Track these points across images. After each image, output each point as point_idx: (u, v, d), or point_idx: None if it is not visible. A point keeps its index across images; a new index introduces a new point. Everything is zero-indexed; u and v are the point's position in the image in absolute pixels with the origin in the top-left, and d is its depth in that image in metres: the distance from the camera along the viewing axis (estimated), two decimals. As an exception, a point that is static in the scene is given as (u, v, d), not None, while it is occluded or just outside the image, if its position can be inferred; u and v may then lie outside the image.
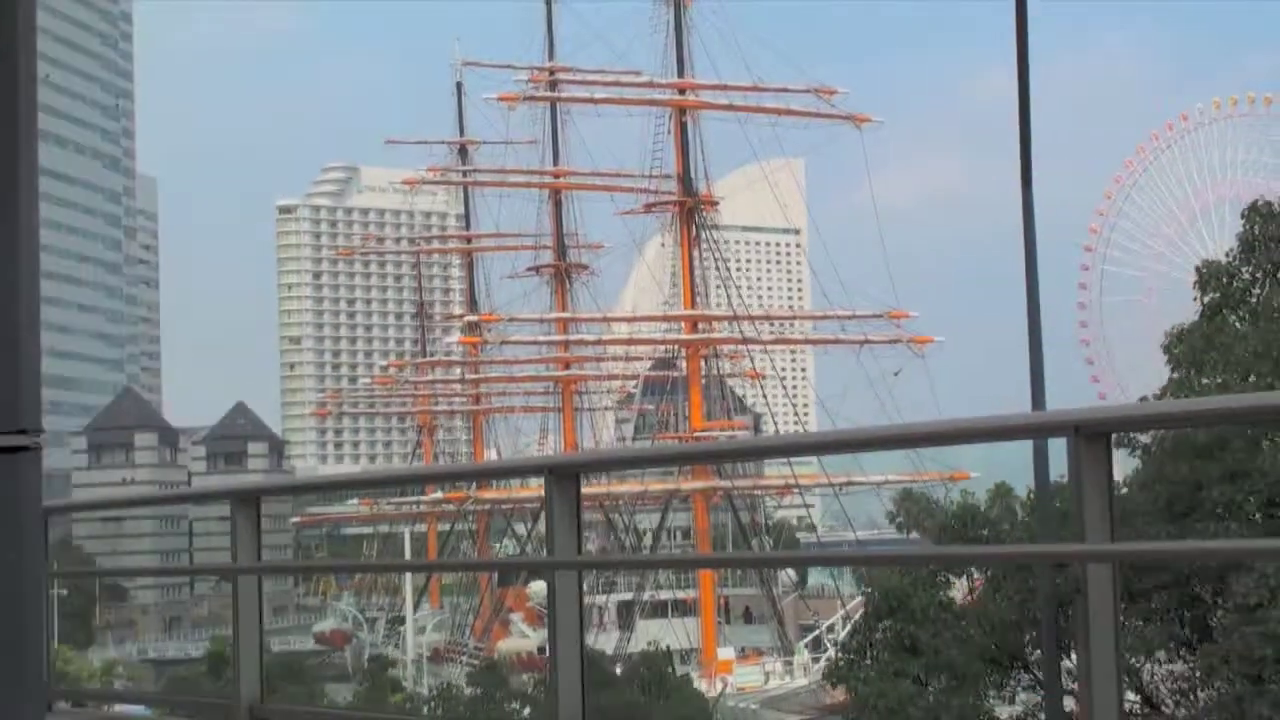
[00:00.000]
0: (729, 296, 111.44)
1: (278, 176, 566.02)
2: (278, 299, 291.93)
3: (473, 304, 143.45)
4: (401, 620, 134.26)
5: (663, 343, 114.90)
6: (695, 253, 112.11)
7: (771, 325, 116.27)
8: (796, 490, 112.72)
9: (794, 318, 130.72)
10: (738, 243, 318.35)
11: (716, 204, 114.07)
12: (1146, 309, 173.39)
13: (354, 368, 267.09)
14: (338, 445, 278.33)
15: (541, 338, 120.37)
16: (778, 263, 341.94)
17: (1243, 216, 26.53)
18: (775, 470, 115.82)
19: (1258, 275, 26.21)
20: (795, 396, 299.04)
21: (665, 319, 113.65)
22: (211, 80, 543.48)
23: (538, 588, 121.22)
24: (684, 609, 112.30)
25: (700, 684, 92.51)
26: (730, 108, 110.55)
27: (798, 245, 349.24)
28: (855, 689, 26.47)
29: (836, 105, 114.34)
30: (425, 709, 65.23)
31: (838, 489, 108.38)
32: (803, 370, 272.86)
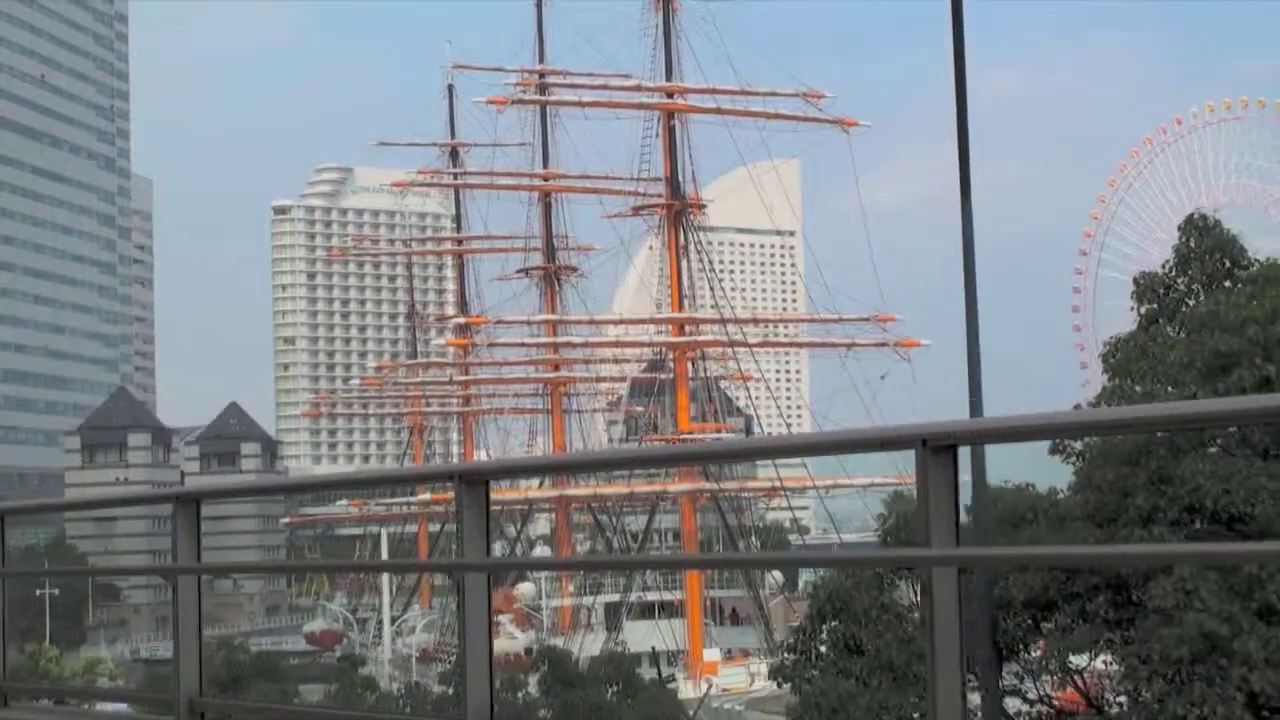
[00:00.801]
0: (715, 299, 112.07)
1: (272, 177, 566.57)
2: (272, 300, 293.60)
3: (464, 305, 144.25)
4: (392, 620, 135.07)
5: (649, 345, 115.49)
6: (683, 256, 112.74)
7: (758, 328, 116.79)
8: (783, 493, 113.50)
9: (780, 320, 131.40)
10: (732, 245, 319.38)
11: (704, 207, 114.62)
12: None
13: (348, 368, 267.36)
14: (332, 446, 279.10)
15: (530, 340, 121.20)
16: (772, 265, 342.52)
17: (1180, 229, 27.32)
18: (766, 473, 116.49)
19: (1193, 286, 26.98)
20: (790, 399, 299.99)
21: (653, 322, 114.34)
22: (207, 81, 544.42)
23: (526, 589, 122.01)
24: (671, 610, 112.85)
25: (686, 685, 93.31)
26: (718, 111, 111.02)
27: (792, 248, 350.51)
28: (800, 688, 27.21)
29: (824, 109, 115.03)
30: (394, 706, 65.86)
31: (823, 491, 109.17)
32: (796, 373, 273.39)
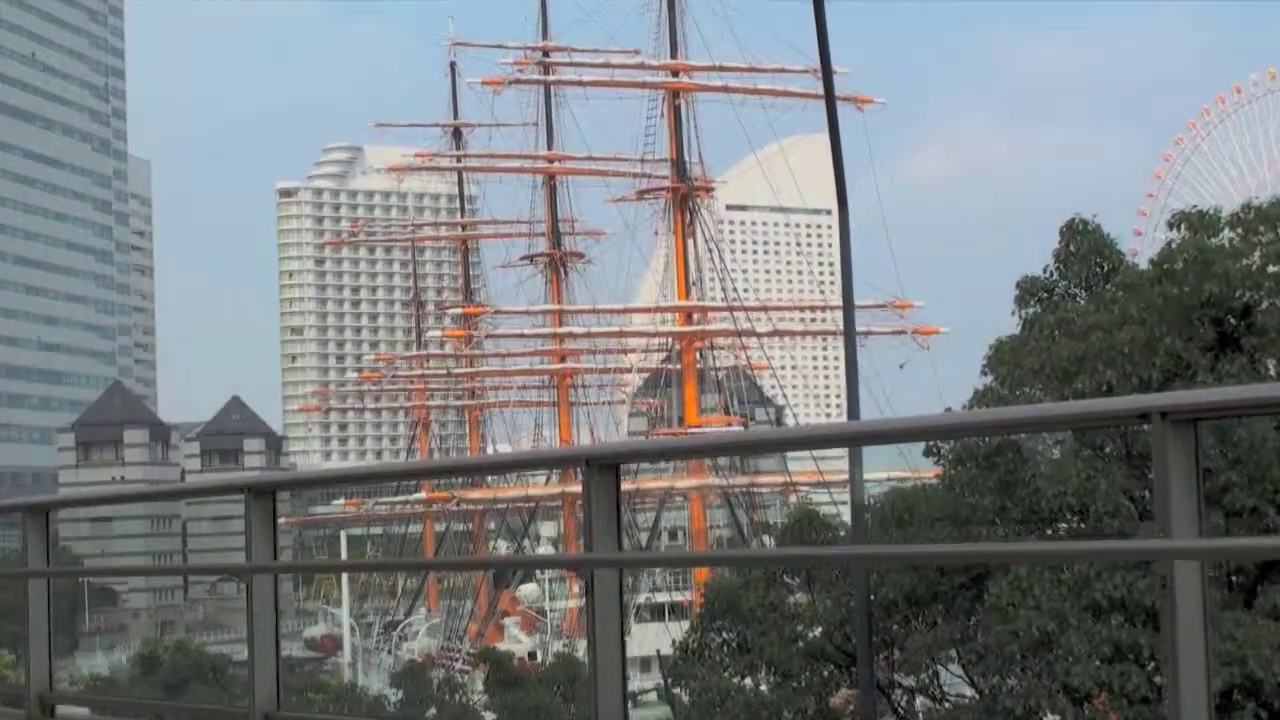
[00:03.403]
0: (724, 287, 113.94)
1: (278, 158, 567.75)
2: (278, 287, 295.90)
3: (468, 293, 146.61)
4: (395, 624, 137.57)
5: (654, 335, 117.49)
6: (691, 241, 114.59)
7: (769, 316, 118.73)
8: (795, 489, 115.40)
9: (790, 308, 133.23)
10: (765, 225, 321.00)
11: (711, 190, 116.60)
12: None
13: (359, 359, 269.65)
14: (342, 441, 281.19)
15: (530, 330, 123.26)
16: (808, 246, 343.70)
17: (1061, 233, 29.69)
18: (795, 467, 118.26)
19: (1071, 290, 29.39)
20: (829, 387, 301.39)
21: (658, 310, 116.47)
22: (207, 58, 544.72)
23: (528, 591, 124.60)
24: (681, 612, 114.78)
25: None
26: (725, 89, 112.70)
27: (829, 227, 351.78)
28: (689, 686, 29.84)
29: (837, 86, 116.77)
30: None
31: (837, 488, 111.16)
32: (835, 360, 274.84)
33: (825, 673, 28.77)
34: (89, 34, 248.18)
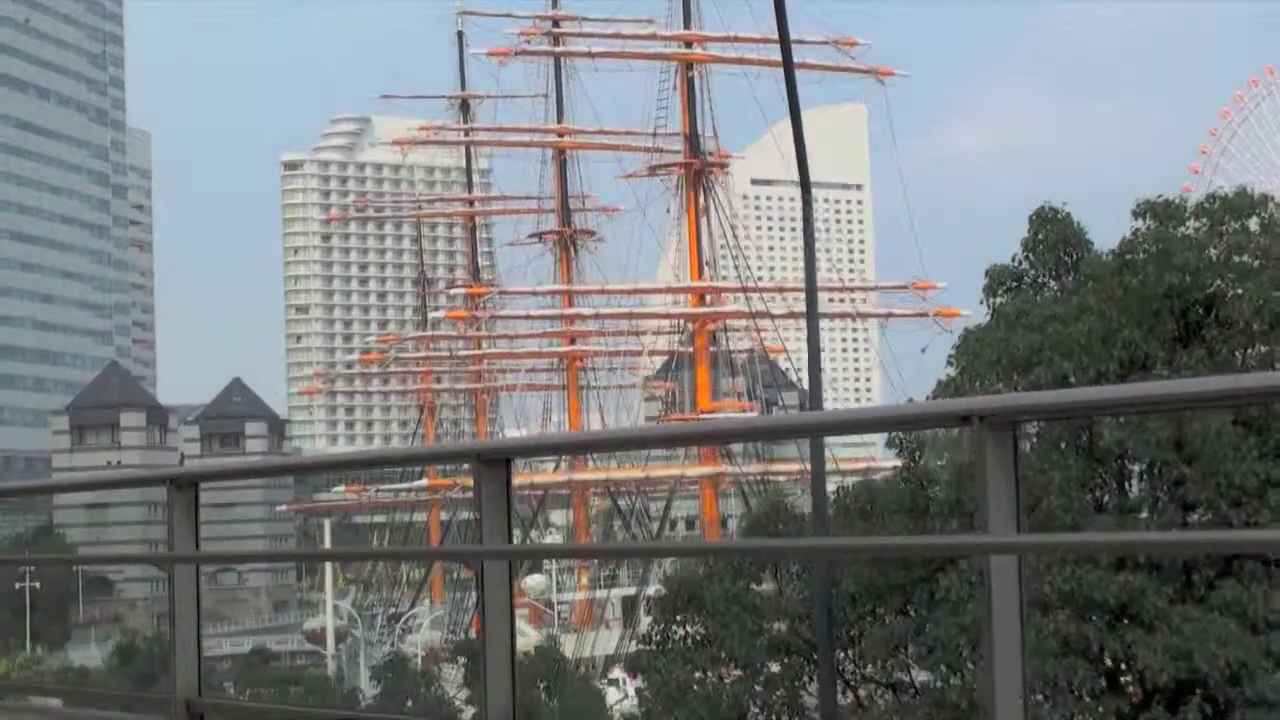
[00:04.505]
0: (737, 267, 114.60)
1: (284, 129, 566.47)
2: (283, 264, 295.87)
3: (475, 272, 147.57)
4: (398, 616, 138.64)
5: (665, 317, 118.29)
6: (704, 219, 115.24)
7: (784, 297, 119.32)
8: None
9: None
10: (793, 200, 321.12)
11: (725, 166, 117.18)
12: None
13: (366, 339, 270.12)
14: (349, 425, 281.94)
15: (537, 312, 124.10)
16: (838, 222, 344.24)
17: (1030, 220, 30.65)
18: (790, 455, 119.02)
19: (1039, 280, 30.38)
20: (859, 369, 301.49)
21: (670, 291, 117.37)
22: (209, 24, 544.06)
23: (535, 582, 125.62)
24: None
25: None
26: (740, 61, 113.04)
27: (860, 202, 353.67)
28: (650, 678, 30.97)
29: (858, 58, 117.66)
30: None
31: (854, 476, 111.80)
32: (865, 343, 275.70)
33: (788, 664, 29.85)
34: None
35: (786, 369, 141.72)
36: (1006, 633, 5.30)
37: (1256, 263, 27.53)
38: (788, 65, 27.88)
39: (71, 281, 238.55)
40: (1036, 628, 24.39)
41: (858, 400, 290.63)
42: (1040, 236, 30.39)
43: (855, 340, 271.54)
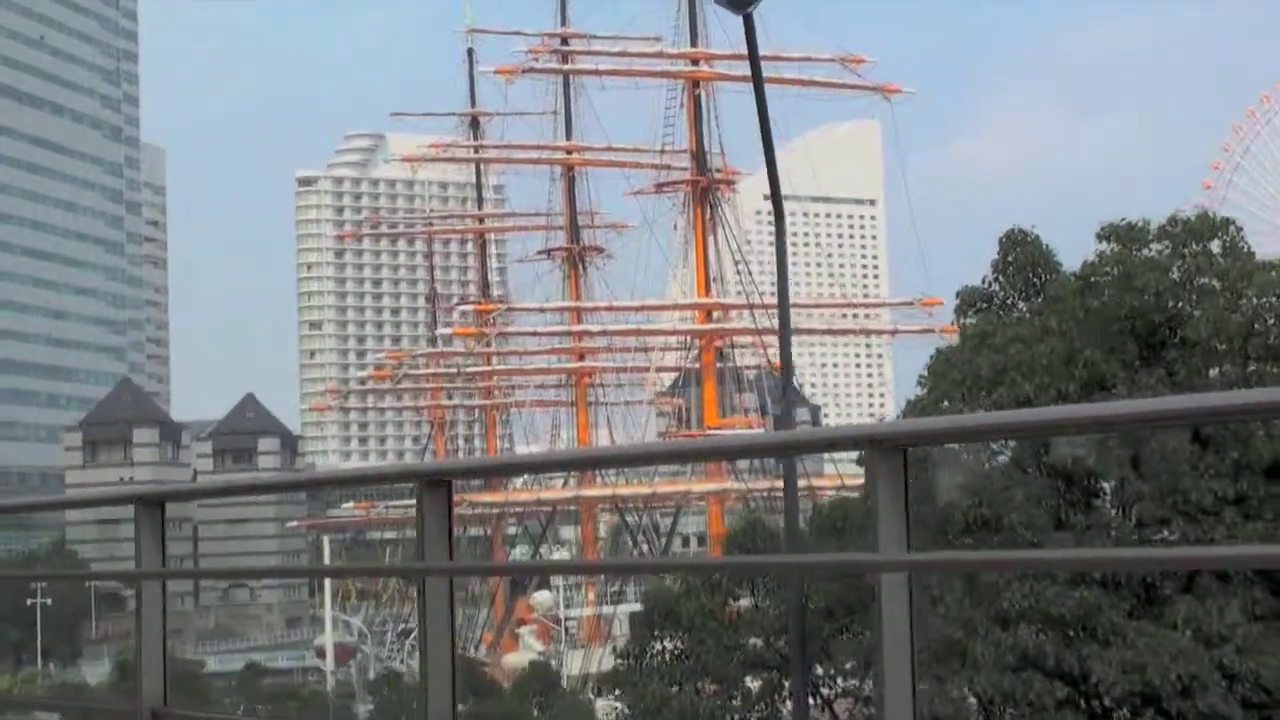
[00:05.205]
0: (743, 283, 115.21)
1: (297, 145, 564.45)
2: (297, 279, 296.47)
3: (486, 288, 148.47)
4: (408, 632, 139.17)
5: (671, 333, 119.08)
6: (711, 236, 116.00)
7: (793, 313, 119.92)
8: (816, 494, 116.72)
9: (815, 306, 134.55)
10: (805, 216, 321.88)
11: (733, 183, 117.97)
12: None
13: (379, 355, 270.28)
14: (362, 440, 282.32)
15: (544, 329, 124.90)
16: (851, 238, 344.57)
17: (1000, 243, 31.35)
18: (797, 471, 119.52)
19: (1008, 300, 31.08)
20: (872, 385, 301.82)
21: (676, 308, 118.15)
22: (224, 42, 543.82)
23: (542, 599, 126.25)
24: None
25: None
26: (746, 79, 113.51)
27: (873, 218, 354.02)
28: (629, 692, 31.67)
29: (864, 75, 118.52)
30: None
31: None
32: (879, 358, 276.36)
33: (767, 679, 30.56)
34: (99, 16, 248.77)
35: (801, 385, 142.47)
36: (897, 647, 5.50)
37: (1217, 284, 28.20)
38: (758, 86, 28.64)
39: (85, 298, 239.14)
40: (995, 642, 25.09)
41: (870, 416, 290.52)
42: (1010, 259, 31.08)
43: (869, 356, 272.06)
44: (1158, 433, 25.17)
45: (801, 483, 69.14)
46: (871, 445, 5.64)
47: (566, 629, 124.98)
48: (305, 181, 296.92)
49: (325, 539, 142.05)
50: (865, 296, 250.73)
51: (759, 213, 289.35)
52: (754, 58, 28.36)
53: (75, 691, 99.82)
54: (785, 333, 27.83)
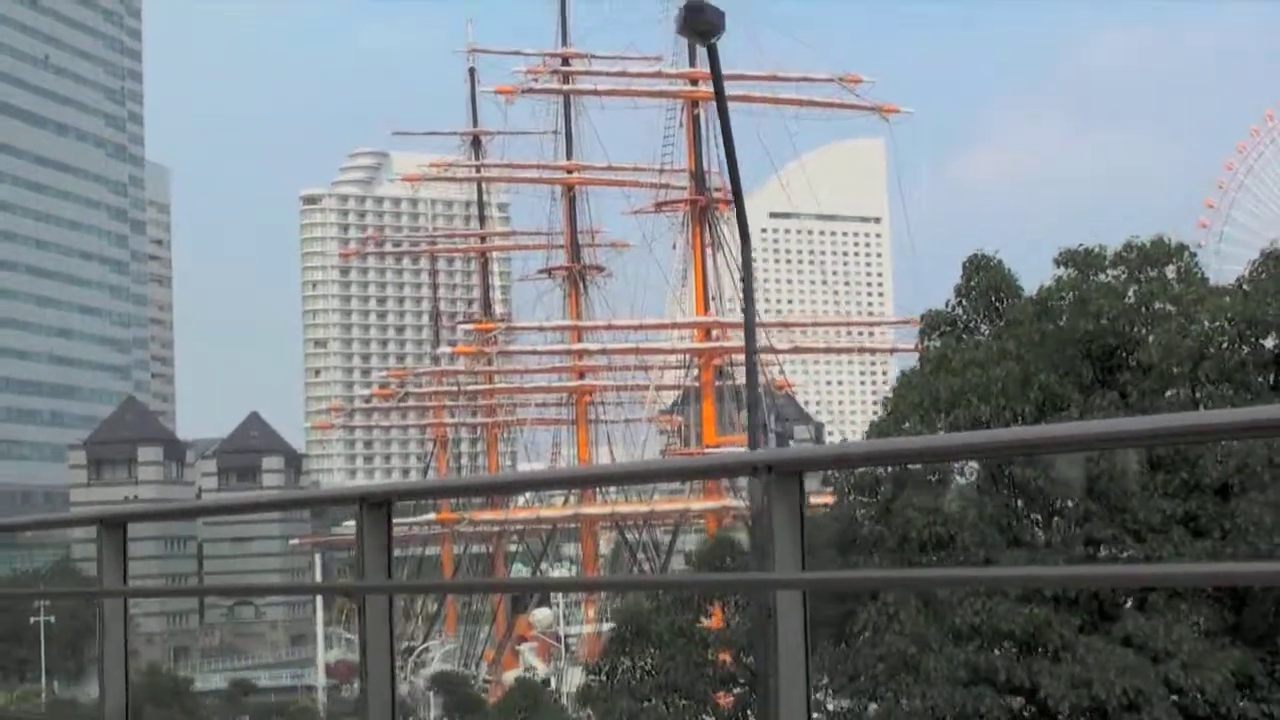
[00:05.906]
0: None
1: (302, 164, 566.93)
2: (301, 298, 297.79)
3: (487, 307, 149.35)
4: (410, 650, 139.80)
5: (670, 352, 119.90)
6: (713, 254, 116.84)
7: (790, 331, 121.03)
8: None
9: (815, 325, 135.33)
10: (811, 233, 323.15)
11: (731, 203, 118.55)
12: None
13: (384, 373, 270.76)
14: (367, 459, 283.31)
15: (544, 348, 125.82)
16: (856, 255, 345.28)
17: (963, 267, 32.25)
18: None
19: (970, 324, 31.98)
20: (875, 404, 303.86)
21: (675, 326, 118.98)
22: (228, 60, 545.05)
23: (542, 616, 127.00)
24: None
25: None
26: (746, 99, 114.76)
27: (878, 235, 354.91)
28: (600, 709, 32.52)
29: (862, 95, 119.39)
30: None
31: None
32: (884, 374, 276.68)
33: (737, 695, 31.43)
34: (104, 35, 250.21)
35: (805, 403, 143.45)
36: (791, 662, 5.77)
37: (1171, 309, 29.06)
38: (722, 111, 29.67)
39: (90, 316, 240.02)
40: (949, 657, 25.94)
41: (869, 434, 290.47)
42: (973, 283, 31.97)
43: (871, 373, 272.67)
44: (1106, 455, 25.96)
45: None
46: (769, 471, 5.80)
47: (567, 645, 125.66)
48: (310, 200, 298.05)
49: (317, 556, 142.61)
50: (870, 314, 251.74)
51: (764, 230, 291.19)
52: (718, 86, 29.46)
53: (71, 708, 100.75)
54: (751, 345, 28.84)
